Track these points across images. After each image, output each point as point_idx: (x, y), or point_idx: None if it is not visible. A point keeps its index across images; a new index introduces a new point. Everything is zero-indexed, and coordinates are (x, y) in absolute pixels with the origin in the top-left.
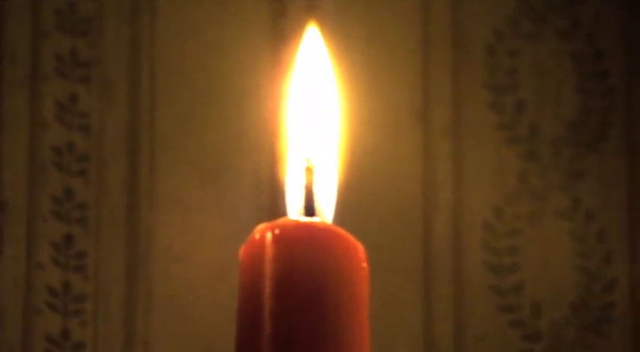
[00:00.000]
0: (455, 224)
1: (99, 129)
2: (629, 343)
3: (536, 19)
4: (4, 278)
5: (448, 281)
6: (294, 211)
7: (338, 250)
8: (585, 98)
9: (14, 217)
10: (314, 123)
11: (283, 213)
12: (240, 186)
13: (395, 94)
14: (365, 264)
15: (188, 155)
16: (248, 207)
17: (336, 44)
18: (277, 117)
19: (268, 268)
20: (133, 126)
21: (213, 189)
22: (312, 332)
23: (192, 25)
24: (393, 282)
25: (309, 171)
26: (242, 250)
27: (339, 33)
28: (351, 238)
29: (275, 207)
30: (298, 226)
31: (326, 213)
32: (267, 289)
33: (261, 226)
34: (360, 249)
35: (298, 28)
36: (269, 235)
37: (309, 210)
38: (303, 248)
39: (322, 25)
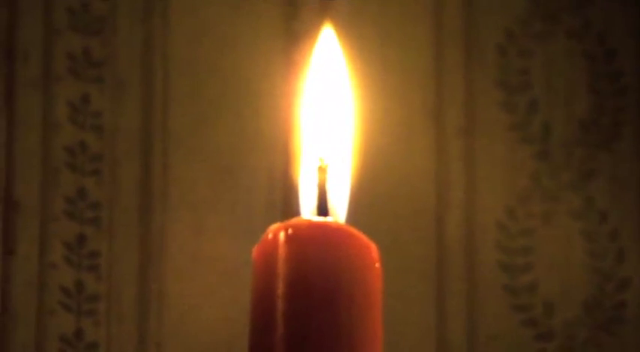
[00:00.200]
0: (468, 223)
1: (112, 129)
2: None
3: (547, 18)
4: (17, 278)
5: (461, 281)
6: (307, 211)
7: (351, 250)
8: (597, 98)
9: (27, 217)
10: (327, 122)
11: (296, 213)
12: (253, 186)
13: (408, 94)
14: (378, 264)
15: (201, 155)
16: (261, 207)
17: (350, 44)
18: (291, 117)
19: (281, 268)
20: (146, 126)
21: (227, 189)
22: (325, 331)
23: (206, 25)
24: (406, 282)
25: (322, 170)
26: (255, 250)
27: (353, 33)
28: (364, 238)
29: (288, 206)
30: (311, 226)
31: (339, 212)
32: (281, 289)
33: (274, 226)
34: (373, 248)
35: (311, 29)
36: (282, 235)
37: (322, 210)
38: (316, 248)
39: (336, 25)
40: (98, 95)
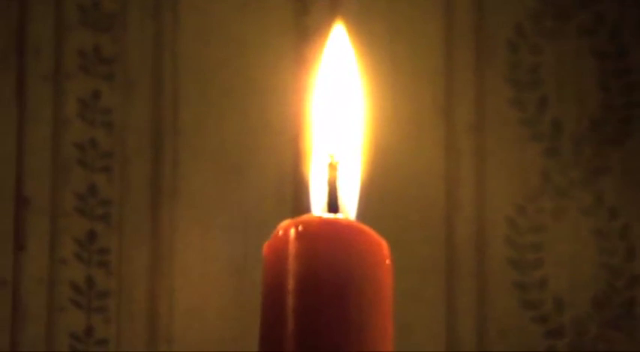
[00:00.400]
0: (478, 220)
1: (122, 126)
2: None
3: (558, 15)
4: (27, 274)
5: (471, 277)
6: (318, 207)
7: (362, 246)
8: (608, 94)
9: (38, 213)
10: (338, 119)
11: (307, 210)
12: (263, 183)
13: (418, 91)
14: (388, 261)
15: (211, 151)
16: (271, 204)
17: (360, 41)
18: (301, 114)
19: (292, 264)
20: (156, 123)
21: (237, 186)
22: (335, 327)
23: (215, 22)
24: (416, 278)
25: (332, 167)
26: (266, 246)
27: (363, 30)
28: (374, 234)
29: (298, 203)
30: (322, 223)
31: (349, 209)
32: (291, 285)
33: (284, 223)
34: (383, 245)
35: (321, 26)
36: (292, 232)
37: (333, 207)
38: (327, 244)
39: (346, 22)
40: (108, 92)
